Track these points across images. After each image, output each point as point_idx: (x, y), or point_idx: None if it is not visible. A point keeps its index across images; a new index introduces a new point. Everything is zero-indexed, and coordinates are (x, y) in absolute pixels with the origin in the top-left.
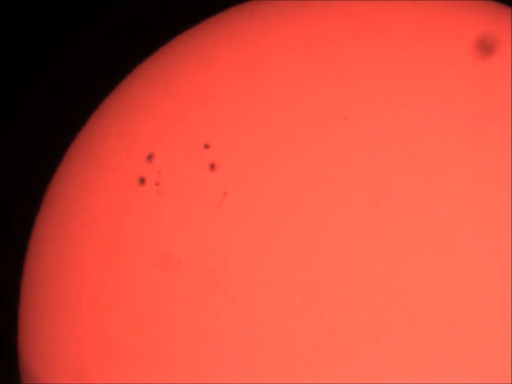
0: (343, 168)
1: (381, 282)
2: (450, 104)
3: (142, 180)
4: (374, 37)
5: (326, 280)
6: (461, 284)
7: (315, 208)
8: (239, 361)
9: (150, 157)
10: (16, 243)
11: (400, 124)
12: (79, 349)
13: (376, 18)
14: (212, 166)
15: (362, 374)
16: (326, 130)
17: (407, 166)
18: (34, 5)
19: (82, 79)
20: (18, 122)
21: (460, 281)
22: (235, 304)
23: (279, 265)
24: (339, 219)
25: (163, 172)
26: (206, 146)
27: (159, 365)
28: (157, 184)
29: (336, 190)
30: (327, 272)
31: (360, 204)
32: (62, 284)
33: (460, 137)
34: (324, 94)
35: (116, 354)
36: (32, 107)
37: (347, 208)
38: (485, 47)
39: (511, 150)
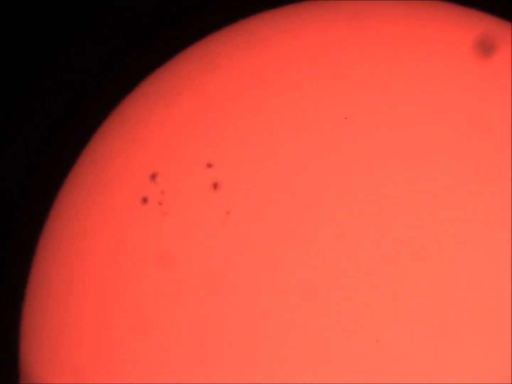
0: (348, 185)
1: (381, 282)
2: (449, 104)
3: (145, 200)
4: (374, 37)
5: (325, 283)
6: (461, 285)
7: (319, 229)
8: (238, 362)
9: (153, 177)
10: (21, 260)
11: (399, 124)
12: (80, 349)
13: (375, 18)
14: (215, 185)
15: (362, 374)
16: (332, 151)
17: (407, 167)
18: (33, 22)
19: (84, 98)
20: (21, 142)
21: (460, 282)
22: (238, 321)
23: (282, 282)
24: (343, 236)
25: (166, 192)
26: (209, 165)
27: (158, 366)
28: (160, 203)
29: (341, 210)
30: (326, 275)
31: (361, 216)
32: (64, 299)
33: (460, 137)
34: (329, 113)
35: (116, 355)
36: (35, 126)
37: (350, 226)
38: (485, 47)
39: (511, 151)
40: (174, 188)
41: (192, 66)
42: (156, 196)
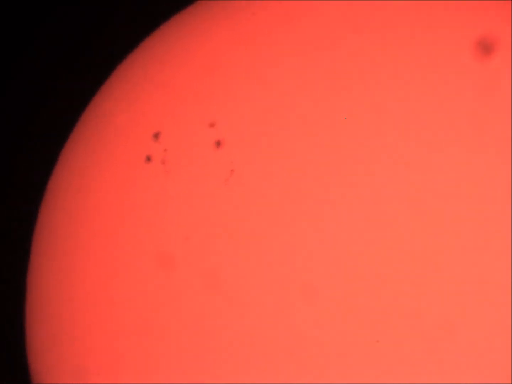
0: (350, 151)
1: (381, 281)
2: (449, 104)
3: (148, 158)
4: (373, 37)
5: (325, 279)
6: (461, 284)
7: (321, 189)
8: (237, 361)
9: (156, 135)
10: (23, 225)
11: (399, 124)
12: (81, 348)
13: (375, 17)
14: (218, 144)
15: (362, 374)
16: (336, 108)
17: (406, 166)
18: None
19: (88, 57)
20: (21, 102)
21: (460, 281)
22: (240, 286)
23: (282, 248)
24: (344, 207)
25: (169, 150)
26: (212, 124)
27: (158, 365)
28: (163, 162)
29: (343, 173)
30: (327, 271)
31: (363, 196)
32: (68, 272)
33: (460, 137)
34: (330, 72)
35: (116, 354)
36: (37, 86)
37: (353, 195)
38: (485, 47)
39: (511, 150)
40: (177, 147)
41: (195, 24)
42: (159, 154)
